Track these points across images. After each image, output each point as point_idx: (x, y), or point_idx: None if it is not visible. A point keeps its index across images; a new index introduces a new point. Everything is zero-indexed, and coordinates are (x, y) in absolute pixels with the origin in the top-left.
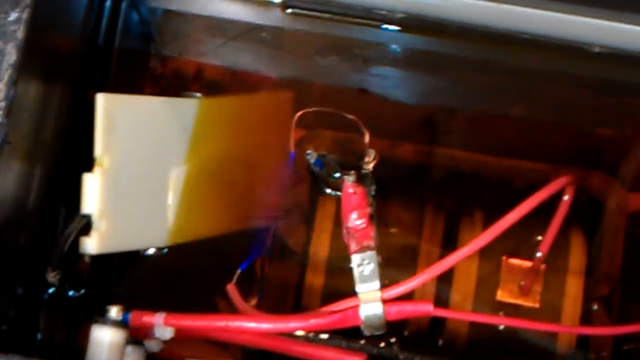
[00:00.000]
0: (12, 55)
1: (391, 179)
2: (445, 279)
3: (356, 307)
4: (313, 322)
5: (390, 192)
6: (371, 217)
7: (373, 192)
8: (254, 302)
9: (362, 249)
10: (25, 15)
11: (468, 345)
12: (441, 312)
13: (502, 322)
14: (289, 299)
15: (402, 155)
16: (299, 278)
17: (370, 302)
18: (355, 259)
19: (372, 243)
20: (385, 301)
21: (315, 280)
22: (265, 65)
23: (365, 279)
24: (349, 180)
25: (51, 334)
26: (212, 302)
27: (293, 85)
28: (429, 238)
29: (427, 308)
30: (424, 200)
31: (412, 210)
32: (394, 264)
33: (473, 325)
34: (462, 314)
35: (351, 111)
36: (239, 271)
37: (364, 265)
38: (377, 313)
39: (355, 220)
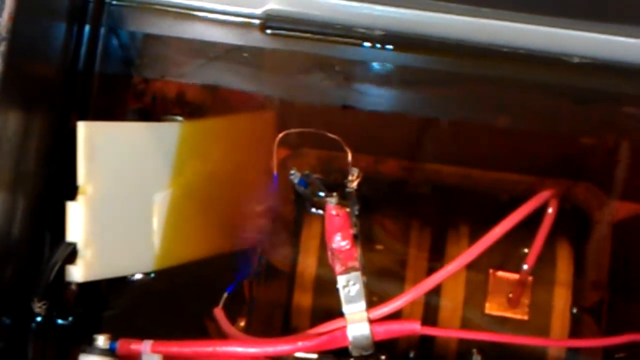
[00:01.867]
0: None
1: (376, 195)
2: (434, 294)
3: (344, 328)
4: (301, 344)
5: (376, 208)
6: (355, 238)
7: (357, 212)
8: (242, 323)
9: (347, 270)
10: (2, 48)
11: (458, 359)
12: (429, 331)
13: (490, 338)
14: (277, 319)
15: (387, 171)
16: (287, 298)
17: (357, 322)
18: (341, 280)
19: (356, 264)
20: (372, 321)
21: (303, 299)
22: (246, 85)
23: (351, 300)
24: (332, 202)
25: None
26: (202, 325)
27: (275, 103)
28: (416, 253)
29: (414, 327)
30: (410, 215)
31: (398, 226)
32: (382, 281)
33: (463, 339)
34: (450, 331)
35: (335, 127)
36: (225, 294)
37: (349, 286)
38: (365, 333)
39: (339, 241)
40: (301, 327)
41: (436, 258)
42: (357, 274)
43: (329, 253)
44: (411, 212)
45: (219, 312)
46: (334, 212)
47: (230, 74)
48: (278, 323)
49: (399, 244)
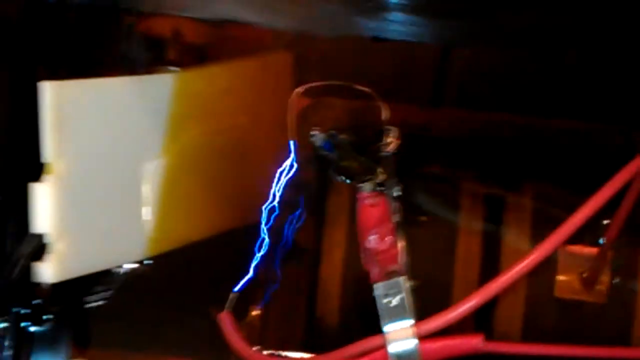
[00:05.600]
0: None
1: (419, 154)
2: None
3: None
4: None
5: (419, 171)
6: (397, 230)
7: (399, 192)
8: (256, 313)
9: (387, 276)
10: None
11: None
12: (493, 346)
13: (562, 352)
14: (300, 307)
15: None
16: (311, 282)
17: (401, 340)
18: (379, 289)
19: (399, 267)
20: (421, 338)
21: (330, 283)
22: (258, 18)
23: (393, 313)
24: (366, 189)
25: None
26: (207, 313)
27: (294, 39)
28: (468, 224)
29: (475, 343)
30: (460, 176)
31: (445, 191)
32: (428, 261)
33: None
34: (516, 345)
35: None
36: (232, 295)
37: (390, 296)
38: (411, 353)
39: (377, 240)
40: (329, 317)
41: (492, 229)
42: (400, 280)
43: (362, 254)
44: (462, 172)
45: (224, 318)
46: (368, 202)
47: (238, 5)
48: (301, 311)
49: (448, 212)
